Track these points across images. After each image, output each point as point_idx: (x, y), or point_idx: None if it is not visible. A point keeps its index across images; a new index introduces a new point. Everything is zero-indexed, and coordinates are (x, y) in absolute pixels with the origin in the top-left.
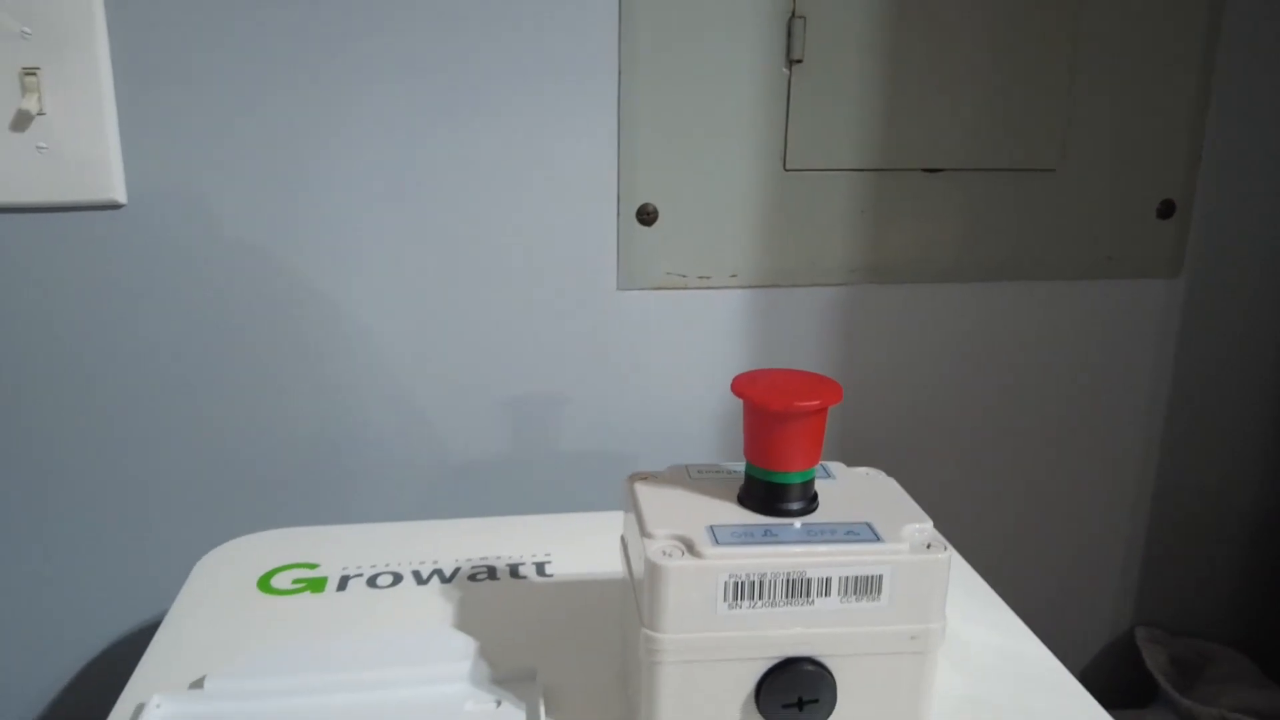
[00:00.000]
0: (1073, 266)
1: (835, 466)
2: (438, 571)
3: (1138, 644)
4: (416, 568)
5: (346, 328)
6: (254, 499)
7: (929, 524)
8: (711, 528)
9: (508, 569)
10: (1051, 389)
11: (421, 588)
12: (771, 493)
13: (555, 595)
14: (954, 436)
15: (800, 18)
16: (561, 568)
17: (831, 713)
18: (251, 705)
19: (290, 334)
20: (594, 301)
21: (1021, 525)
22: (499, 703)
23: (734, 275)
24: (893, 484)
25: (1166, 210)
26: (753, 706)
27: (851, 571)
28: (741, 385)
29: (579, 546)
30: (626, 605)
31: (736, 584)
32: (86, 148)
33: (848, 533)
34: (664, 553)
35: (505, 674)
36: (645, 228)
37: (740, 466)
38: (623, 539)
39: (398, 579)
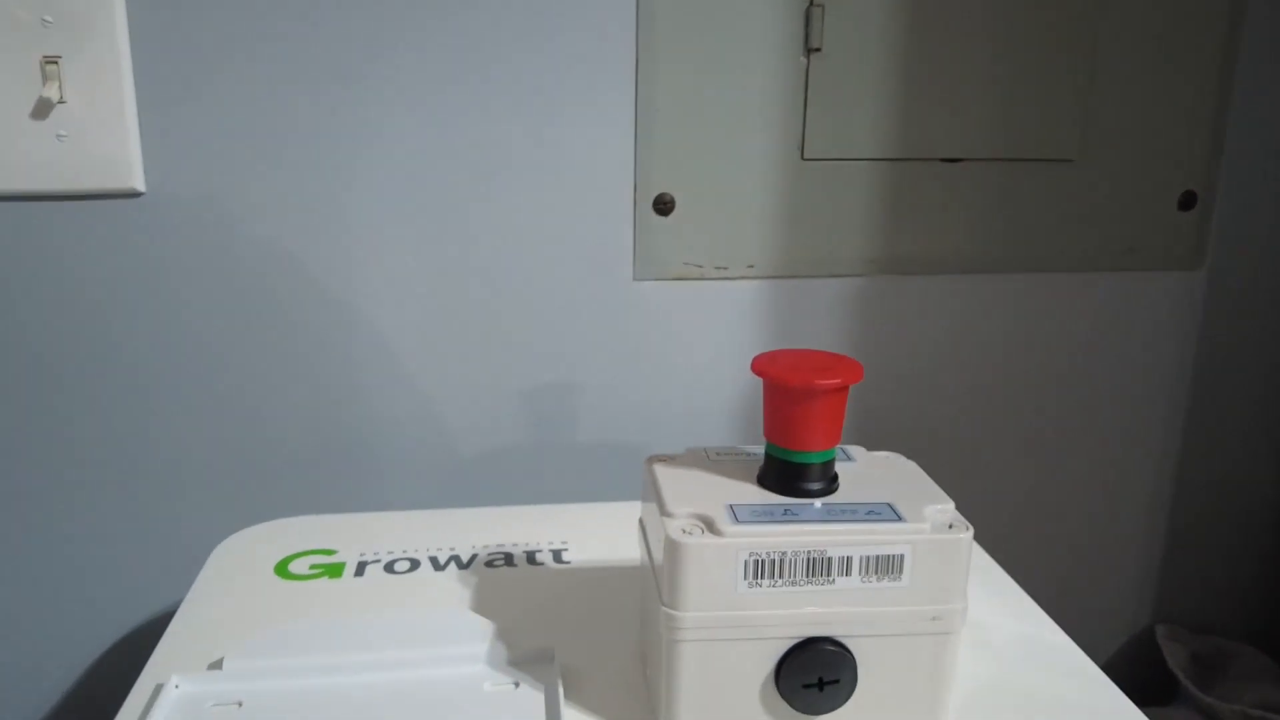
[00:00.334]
0: (1092, 258)
1: (855, 450)
2: (455, 558)
3: (1158, 641)
4: (434, 554)
5: (364, 317)
6: (271, 487)
7: (950, 505)
8: (731, 506)
9: (524, 556)
10: (1070, 382)
11: (439, 573)
12: (792, 472)
13: (572, 581)
14: (971, 429)
15: (818, 6)
16: (578, 555)
17: (852, 694)
18: (270, 685)
19: (308, 323)
20: (610, 292)
21: (1039, 521)
22: (517, 684)
23: (751, 266)
24: (913, 466)
25: (1188, 202)
26: (772, 686)
27: (872, 551)
28: (762, 364)
29: (596, 535)
30: (646, 587)
31: (757, 562)
32: (106, 136)
33: (869, 512)
34: (684, 531)
35: (523, 655)
36: (662, 218)
37: (758, 449)
38: (641, 522)
39: (415, 565)
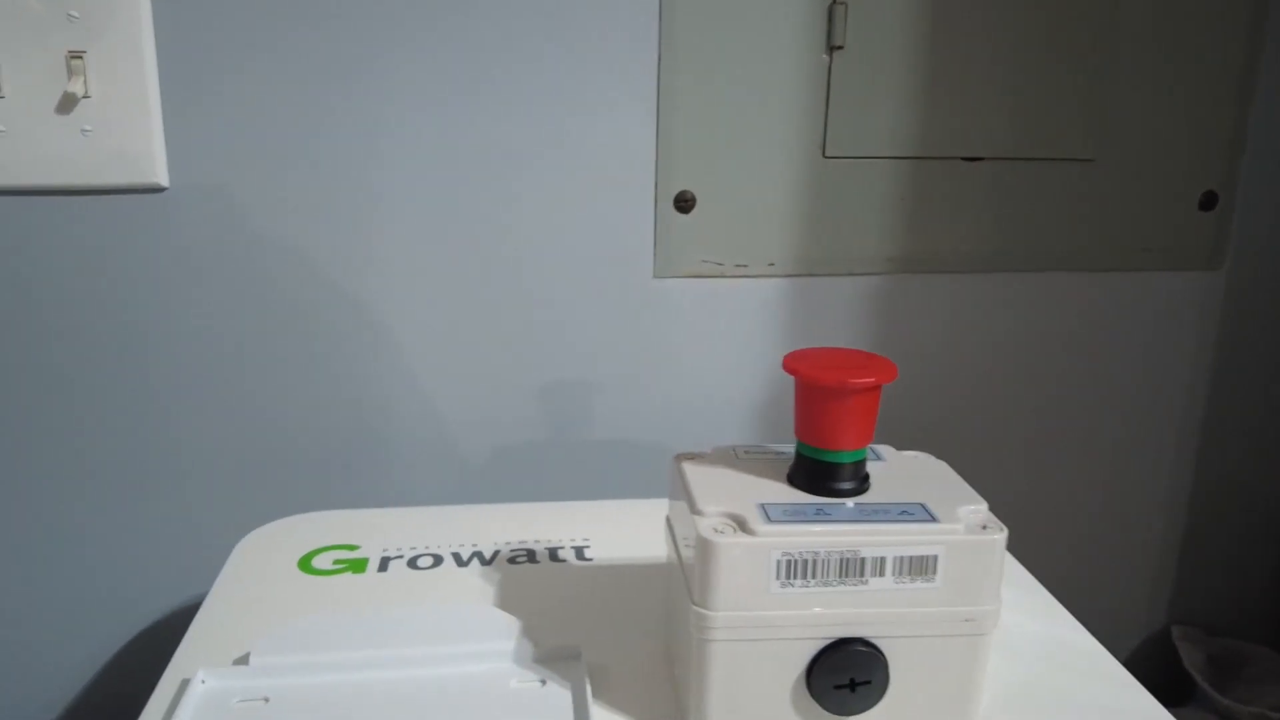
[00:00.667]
0: (1112, 258)
1: (884, 449)
2: (477, 554)
3: (1174, 643)
4: (456, 550)
5: (384, 313)
6: (293, 483)
7: (983, 505)
8: (763, 505)
9: (547, 552)
10: (1088, 382)
11: (462, 569)
12: (823, 472)
13: (595, 578)
14: (988, 429)
15: (841, 4)
16: (601, 552)
17: (884, 695)
18: (296, 680)
19: (328, 319)
20: (630, 289)
21: (1055, 521)
22: (544, 681)
23: (771, 264)
24: (944, 466)
25: (1208, 202)
26: (803, 687)
27: (906, 551)
28: (794, 362)
29: (617, 532)
30: (673, 585)
31: (789, 562)
32: (130, 131)
33: (901, 512)
34: (716, 530)
35: (549, 653)
36: (683, 215)
37: (786, 448)
38: (668, 520)
39: (438, 561)
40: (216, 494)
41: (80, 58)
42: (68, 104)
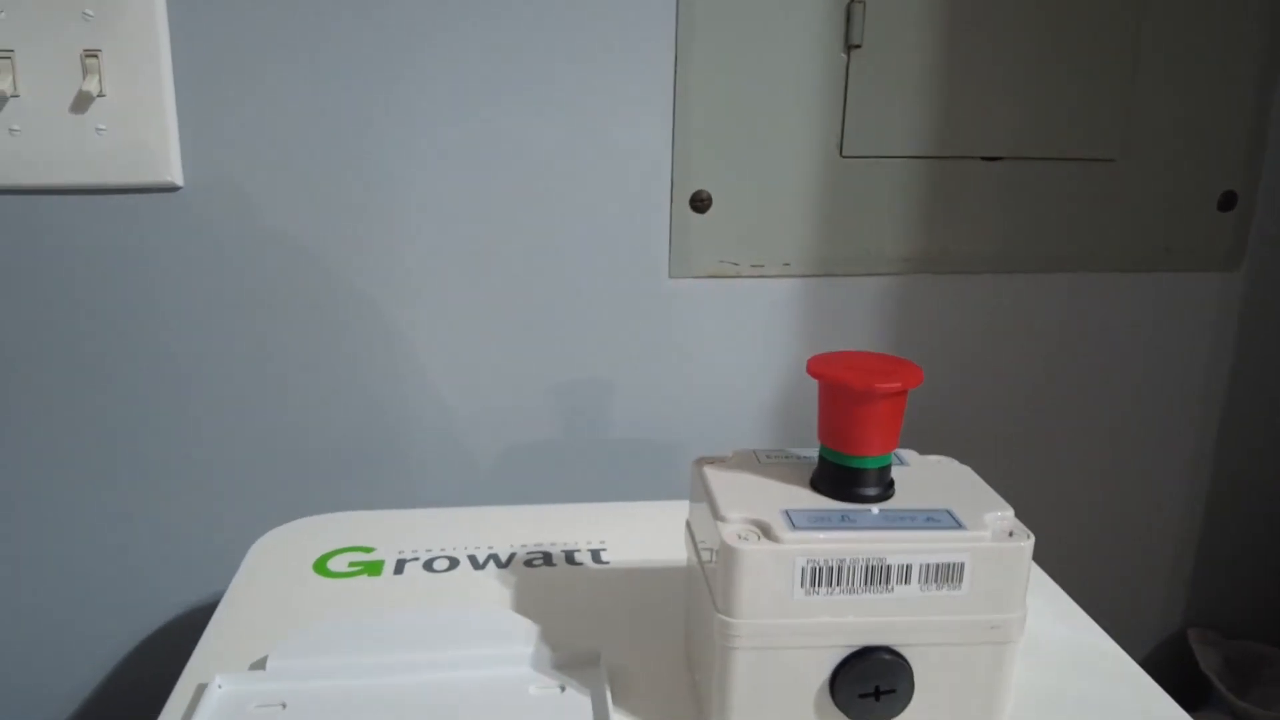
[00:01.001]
0: (1131, 258)
1: (908, 453)
2: (494, 556)
3: (1190, 645)
4: (472, 553)
5: (400, 313)
6: (307, 483)
7: (1010, 511)
8: (787, 511)
9: (563, 555)
10: (1106, 383)
11: (478, 572)
12: (848, 477)
13: (613, 581)
14: (1005, 430)
15: (859, 2)
16: (617, 555)
17: (908, 704)
18: (313, 685)
19: (343, 320)
20: (646, 289)
21: (1072, 522)
22: (563, 687)
23: (787, 264)
24: (968, 471)
25: (1228, 202)
26: (827, 695)
27: (933, 559)
28: (818, 366)
29: (634, 535)
30: (694, 591)
31: (814, 569)
32: (145, 130)
33: (927, 519)
34: (740, 536)
35: (568, 658)
36: (698, 215)
37: (807, 452)
38: (688, 524)
39: (454, 563)
40: (230, 494)
41: (95, 56)
42: (82, 103)
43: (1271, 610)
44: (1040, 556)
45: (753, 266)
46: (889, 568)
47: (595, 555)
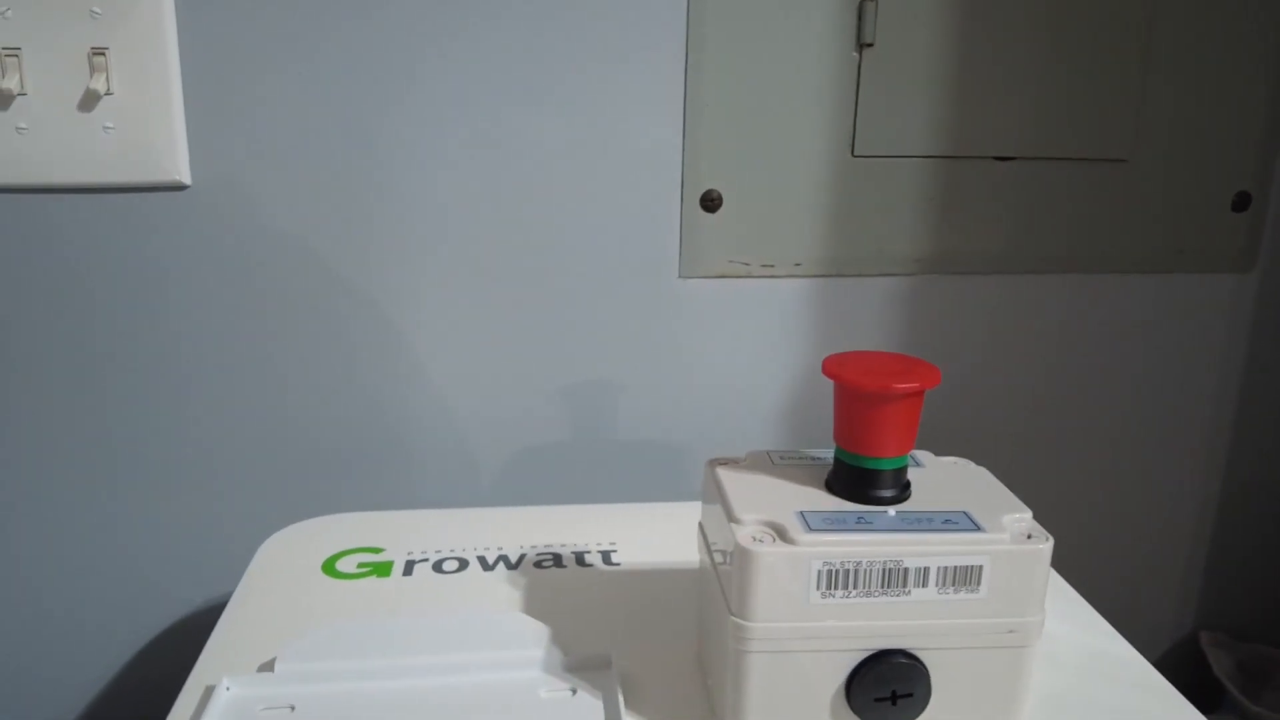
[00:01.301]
0: (1143, 259)
1: (923, 455)
2: (503, 558)
3: (1202, 648)
4: (481, 554)
5: (409, 314)
6: (312, 485)
7: (1028, 513)
8: (802, 514)
9: (573, 556)
10: (1118, 384)
11: (488, 574)
12: (864, 479)
13: (623, 583)
14: (1016, 430)
15: (872, 1)
16: (628, 556)
17: (925, 708)
18: (322, 688)
19: (351, 319)
20: (655, 289)
21: (1083, 524)
22: (574, 690)
23: (798, 264)
24: (985, 473)
25: (1241, 203)
26: (843, 700)
27: (951, 561)
28: (834, 367)
29: (644, 536)
30: (707, 593)
31: (830, 572)
32: (153, 129)
33: (945, 521)
34: (755, 538)
35: (579, 661)
36: (709, 214)
37: (821, 453)
38: (700, 526)
39: (463, 565)
40: (237, 493)
41: (103, 54)
42: (90, 101)
43: None
44: (1052, 559)
45: (763, 266)
46: (906, 570)
47: (606, 557)
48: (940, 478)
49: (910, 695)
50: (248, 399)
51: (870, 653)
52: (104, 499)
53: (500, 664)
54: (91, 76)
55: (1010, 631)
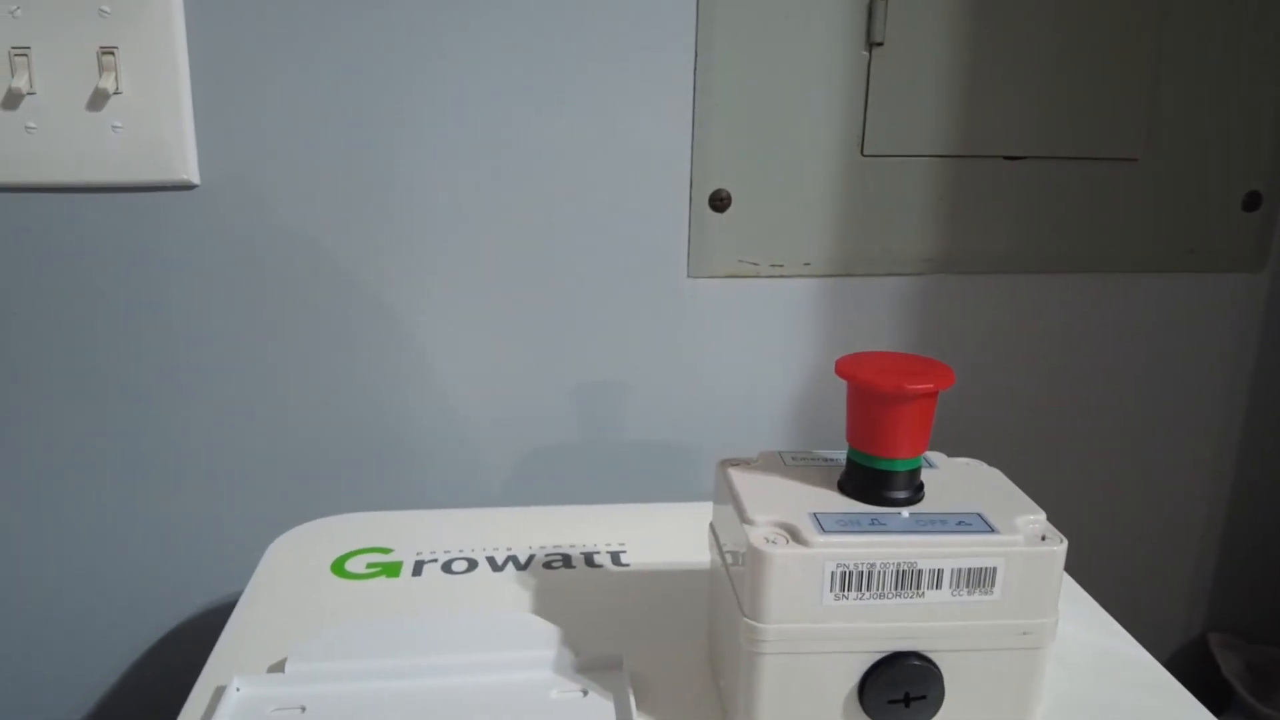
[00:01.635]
0: (1154, 259)
1: (936, 456)
2: (513, 558)
3: (1211, 649)
4: (491, 554)
5: (417, 313)
6: (320, 485)
7: (1042, 515)
8: (815, 515)
9: (583, 557)
10: (1128, 384)
11: (497, 574)
12: (877, 480)
13: (633, 584)
14: (1026, 431)
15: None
16: (637, 557)
17: (938, 710)
18: (332, 689)
19: (360, 319)
20: (664, 289)
21: (1093, 524)
22: (585, 691)
23: (807, 264)
24: (998, 474)
25: (1252, 202)
26: (856, 702)
27: (965, 563)
28: (847, 367)
29: (653, 536)
30: (719, 594)
31: (844, 574)
32: (161, 128)
33: (959, 523)
34: (768, 540)
35: (590, 662)
36: (718, 214)
37: (834, 454)
38: (712, 527)
39: (473, 565)
40: (244, 493)
41: (112, 53)
42: (99, 100)
43: None
44: None
45: (772, 266)
46: (920, 572)
47: (615, 557)
48: (953, 479)
49: (924, 697)
50: (256, 398)
51: (883, 655)
52: (111, 498)
53: (511, 665)
54: (100, 76)
55: (1024, 633)
